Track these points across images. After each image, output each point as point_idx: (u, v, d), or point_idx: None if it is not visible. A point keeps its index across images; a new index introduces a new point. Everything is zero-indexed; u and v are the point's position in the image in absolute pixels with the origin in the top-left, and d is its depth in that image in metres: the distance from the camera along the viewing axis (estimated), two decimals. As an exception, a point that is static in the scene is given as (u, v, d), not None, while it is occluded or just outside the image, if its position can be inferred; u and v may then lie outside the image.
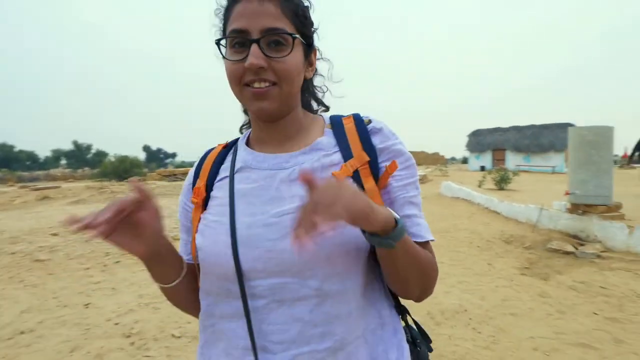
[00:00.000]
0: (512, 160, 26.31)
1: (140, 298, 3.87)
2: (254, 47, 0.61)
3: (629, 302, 3.55)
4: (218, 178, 0.73)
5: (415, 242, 0.66)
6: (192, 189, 0.75)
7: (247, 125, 0.84)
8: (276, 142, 0.73)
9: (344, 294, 0.63)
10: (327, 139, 0.71)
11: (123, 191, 15.95)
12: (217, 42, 0.67)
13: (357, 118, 0.74)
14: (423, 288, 0.69)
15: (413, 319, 0.80)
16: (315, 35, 0.72)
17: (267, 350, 0.62)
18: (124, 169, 26.82)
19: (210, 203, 0.71)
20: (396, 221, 0.57)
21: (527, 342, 2.83)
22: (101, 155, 69.29)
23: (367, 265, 0.67)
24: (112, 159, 31.52)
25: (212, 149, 0.80)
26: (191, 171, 0.78)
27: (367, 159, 0.68)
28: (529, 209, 7.08)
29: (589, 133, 5.49)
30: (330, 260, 0.61)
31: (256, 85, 0.63)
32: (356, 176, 0.67)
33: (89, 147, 76.03)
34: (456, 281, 4.22)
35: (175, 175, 24.86)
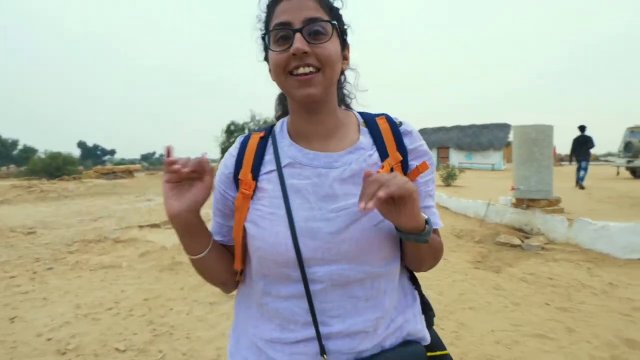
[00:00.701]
0: (455, 157, 27.66)
1: (77, 308, 3.46)
2: (298, 35, 0.68)
3: (574, 291, 3.74)
4: (264, 170, 0.77)
5: None
6: (233, 178, 0.79)
7: (280, 115, 0.90)
8: (320, 137, 0.78)
9: (390, 274, 0.76)
10: (366, 139, 0.79)
11: (55, 190, 14.61)
12: (263, 37, 0.75)
13: (390, 120, 0.82)
14: (432, 264, 0.83)
15: (420, 290, 0.91)
16: (348, 31, 0.80)
17: (325, 323, 0.72)
18: (56, 166, 24.67)
19: (260, 194, 0.75)
20: (426, 222, 0.68)
21: (488, 336, 2.86)
22: (29, 151, 63.33)
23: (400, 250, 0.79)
24: (42, 156, 28.94)
25: (248, 137, 0.83)
26: (229, 160, 0.81)
27: (400, 158, 0.77)
28: (476, 204, 7.37)
29: (532, 131, 5.79)
30: (381, 246, 0.72)
31: (301, 70, 0.69)
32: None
33: (14, 143, 69.05)
34: (415, 277, 4.24)
35: (114, 173, 23.11)
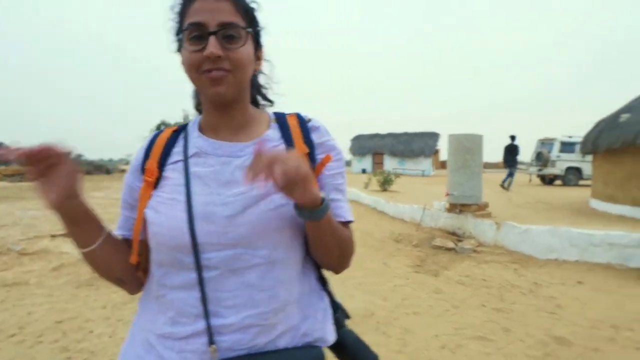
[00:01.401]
0: (389, 163, 28.73)
1: (-32, 337, 2.89)
2: (212, 39, 0.69)
3: (506, 292, 3.95)
4: (171, 160, 0.79)
5: (339, 221, 0.79)
6: (141, 168, 0.80)
7: (198, 104, 0.92)
8: (229, 130, 0.81)
9: (288, 262, 0.75)
10: (274, 132, 0.83)
11: (-54, 194, 12.55)
12: (176, 35, 0.75)
13: (299, 117, 0.86)
14: (341, 258, 0.81)
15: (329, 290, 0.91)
16: (262, 34, 0.82)
17: (218, 315, 0.70)
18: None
19: (163, 183, 0.77)
20: (322, 199, 0.68)
21: (433, 341, 2.87)
22: None
23: (304, 240, 0.79)
24: None
25: (161, 131, 0.85)
26: (139, 153, 0.83)
27: (307, 150, 0.80)
28: (412, 209, 7.63)
29: (466, 140, 6.12)
30: (279, 231, 0.73)
31: (214, 73, 0.70)
32: None
33: None
34: (357, 283, 4.20)
35: (21, 174, 20.53)
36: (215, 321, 0.69)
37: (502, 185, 12.45)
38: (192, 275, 0.70)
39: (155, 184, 0.77)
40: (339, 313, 0.89)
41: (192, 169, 0.76)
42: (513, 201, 9.38)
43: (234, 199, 0.72)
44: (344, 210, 0.82)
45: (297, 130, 0.82)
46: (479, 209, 6.33)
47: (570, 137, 15.20)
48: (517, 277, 4.43)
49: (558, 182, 15.64)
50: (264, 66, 0.88)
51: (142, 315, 0.80)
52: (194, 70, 0.71)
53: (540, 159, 15.43)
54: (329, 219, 0.72)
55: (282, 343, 0.74)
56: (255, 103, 0.91)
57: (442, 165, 36.45)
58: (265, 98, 0.93)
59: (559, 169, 15.16)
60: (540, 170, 15.70)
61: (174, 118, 24.91)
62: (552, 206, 8.49)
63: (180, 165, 0.77)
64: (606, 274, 4.40)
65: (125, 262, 0.80)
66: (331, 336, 0.82)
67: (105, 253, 0.77)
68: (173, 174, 0.76)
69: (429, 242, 5.98)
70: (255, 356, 0.70)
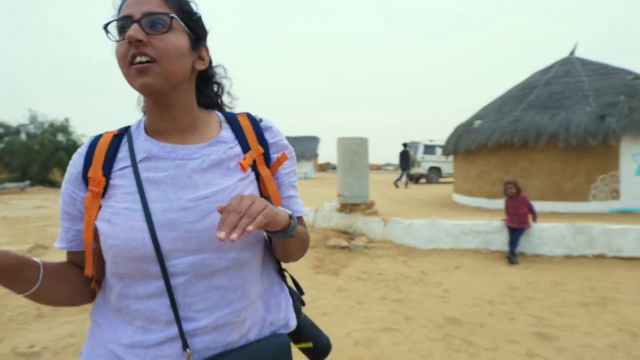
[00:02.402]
0: (273, 168, 28.98)
1: None
2: (134, 25, 0.69)
3: (401, 283, 4.26)
4: (117, 167, 0.76)
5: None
6: (82, 177, 0.76)
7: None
8: (177, 133, 0.79)
9: (254, 261, 0.78)
10: (227, 134, 0.82)
11: None
12: (105, 28, 0.73)
13: (250, 117, 0.87)
14: (301, 254, 0.88)
15: (292, 277, 0.97)
16: (204, 33, 0.81)
17: (191, 319, 0.71)
18: None
19: (112, 192, 0.74)
20: (290, 217, 0.72)
21: (347, 339, 2.91)
22: None
23: (263, 237, 0.83)
24: None
25: (100, 136, 0.81)
26: (78, 160, 0.78)
27: (262, 151, 0.83)
28: (304, 211, 7.74)
29: (353, 143, 6.46)
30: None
31: (137, 59, 0.69)
32: (254, 165, 0.81)
33: None
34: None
35: None
36: (188, 325, 0.70)
37: (398, 184, 14.40)
38: (160, 284, 0.70)
39: (103, 193, 0.74)
40: (297, 301, 0.95)
41: (144, 174, 0.74)
42: (393, 199, 10.30)
43: (195, 204, 0.71)
44: (300, 206, 0.88)
45: (250, 130, 0.84)
46: (367, 207, 6.74)
47: (431, 140, 17.46)
48: (407, 268, 4.83)
49: (423, 180, 17.79)
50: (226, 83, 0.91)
51: (98, 327, 0.78)
52: (123, 62, 0.70)
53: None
54: (297, 230, 0.77)
55: (252, 335, 0.78)
56: (207, 105, 0.90)
57: (321, 168, 38.20)
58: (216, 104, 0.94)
59: (423, 168, 17.27)
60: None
61: (17, 120, 20.95)
62: (423, 202, 9.57)
63: (129, 171, 0.75)
64: (475, 258, 5.12)
65: (75, 284, 0.78)
66: (293, 321, 0.88)
67: (49, 287, 0.73)
68: (122, 181, 0.74)
69: (323, 242, 6.12)
70: (228, 353, 0.73)
